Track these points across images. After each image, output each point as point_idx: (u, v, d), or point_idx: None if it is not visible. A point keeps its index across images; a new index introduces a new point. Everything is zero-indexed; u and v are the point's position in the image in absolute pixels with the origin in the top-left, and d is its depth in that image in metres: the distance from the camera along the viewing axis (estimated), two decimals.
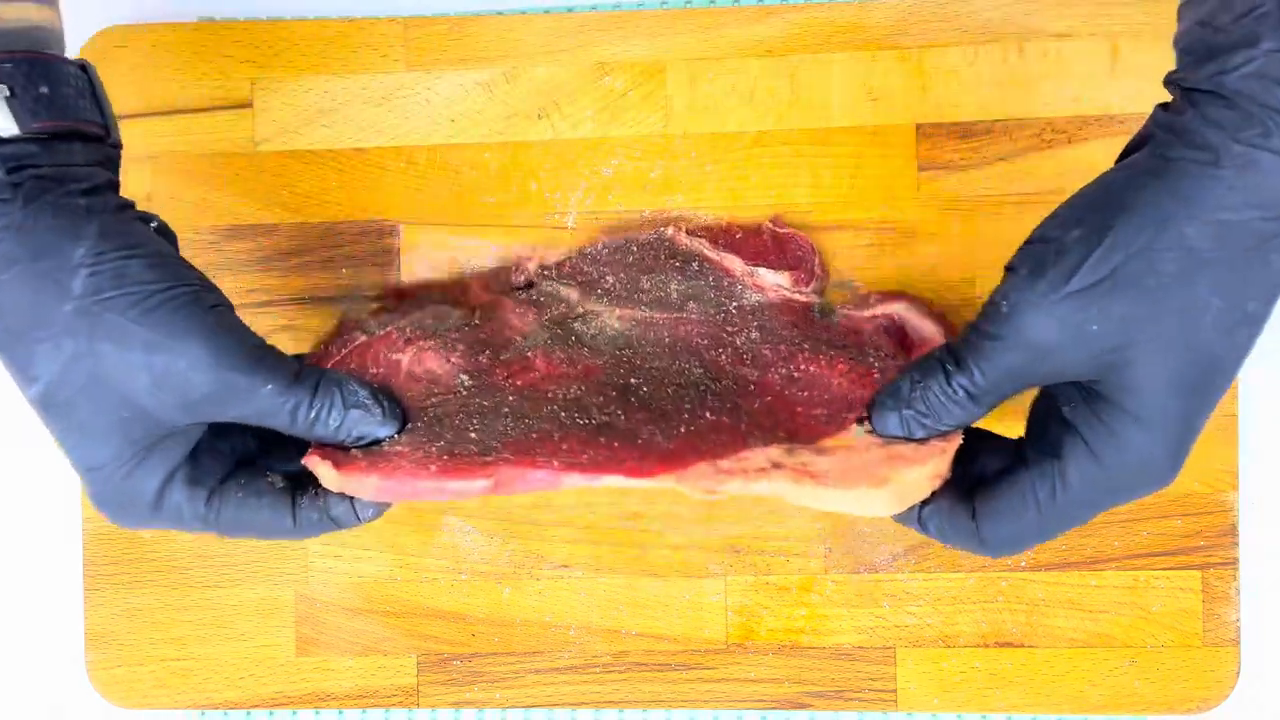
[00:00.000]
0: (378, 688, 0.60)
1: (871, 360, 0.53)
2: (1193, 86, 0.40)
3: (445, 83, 0.60)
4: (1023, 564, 0.58)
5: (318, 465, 0.46)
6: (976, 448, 0.47)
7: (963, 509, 0.45)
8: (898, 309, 0.56)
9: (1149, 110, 0.59)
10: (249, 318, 0.60)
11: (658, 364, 0.53)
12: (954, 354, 0.44)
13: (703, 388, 0.52)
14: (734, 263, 0.57)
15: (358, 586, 0.60)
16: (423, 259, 0.60)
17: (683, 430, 0.48)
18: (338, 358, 0.54)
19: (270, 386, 0.44)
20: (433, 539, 0.60)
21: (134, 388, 0.43)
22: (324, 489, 0.46)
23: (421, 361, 0.53)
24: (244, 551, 0.60)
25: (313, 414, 0.45)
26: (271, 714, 0.62)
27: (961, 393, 0.44)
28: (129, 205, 0.46)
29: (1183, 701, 0.57)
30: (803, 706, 0.59)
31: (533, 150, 0.60)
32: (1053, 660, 0.58)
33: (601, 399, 0.50)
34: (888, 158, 0.58)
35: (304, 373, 0.46)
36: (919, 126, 0.58)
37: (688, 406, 0.50)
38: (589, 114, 0.59)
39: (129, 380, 0.43)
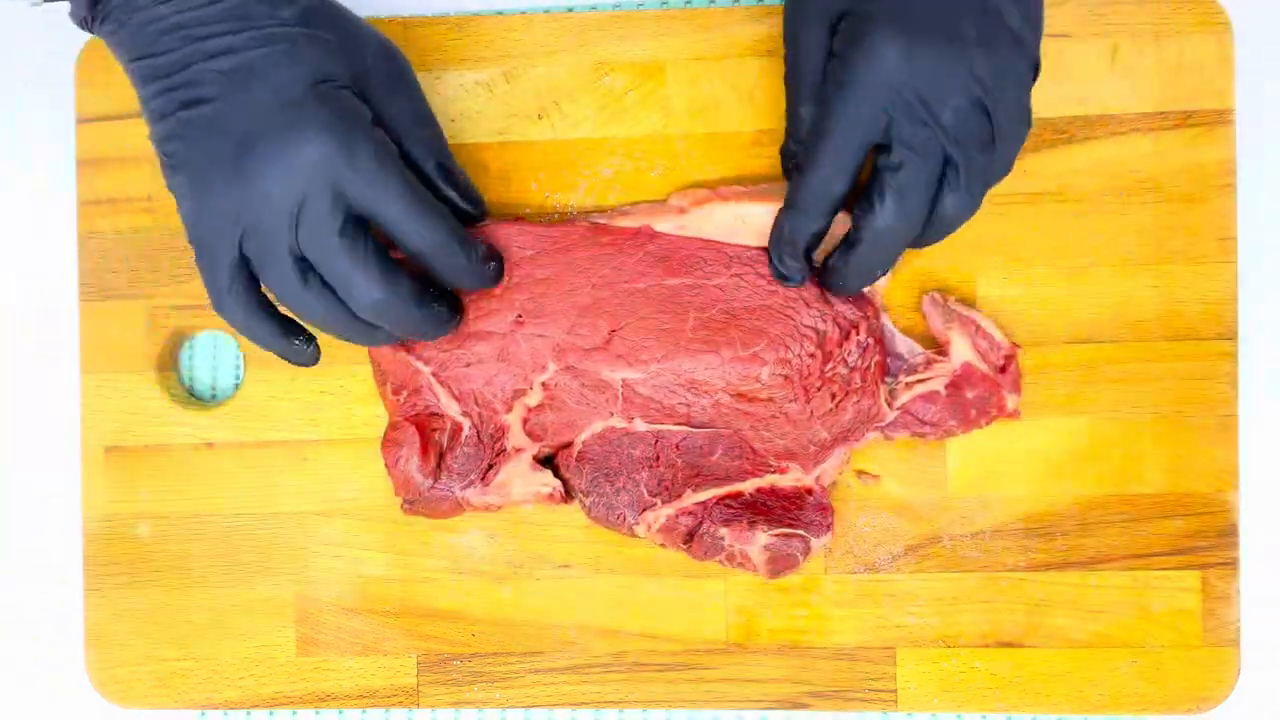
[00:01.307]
0: (378, 688, 0.60)
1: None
2: None
3: (445, 83, 0.60)
4: (1022, 564, 0.58)
5: None
6: None
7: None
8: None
9: (1149, 110, 0.59)
10: None
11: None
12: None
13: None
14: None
15: (358, 586, 0.60)
16: None
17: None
18: None
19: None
20: (433, 539, 0.60)
21: None
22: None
23: None
24: (244, 551, 0.60)
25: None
26: (271, 714, 0.62)
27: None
28: None
29: (1183, 701, 0.57)
30: (803, 706, 0.59)
31: (533, 150, 0.60)
32: (1053, 660, 0.58)
33: None
34: None
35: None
36: None
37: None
38: (589, 114, 0.59)
39: None
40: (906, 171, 0.48)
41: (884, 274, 0.53)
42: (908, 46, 0.47)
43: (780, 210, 0.53)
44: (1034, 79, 0.50)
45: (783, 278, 0.55)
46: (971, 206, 0.50)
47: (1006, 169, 0.50)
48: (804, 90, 0.52)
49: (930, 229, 0.50)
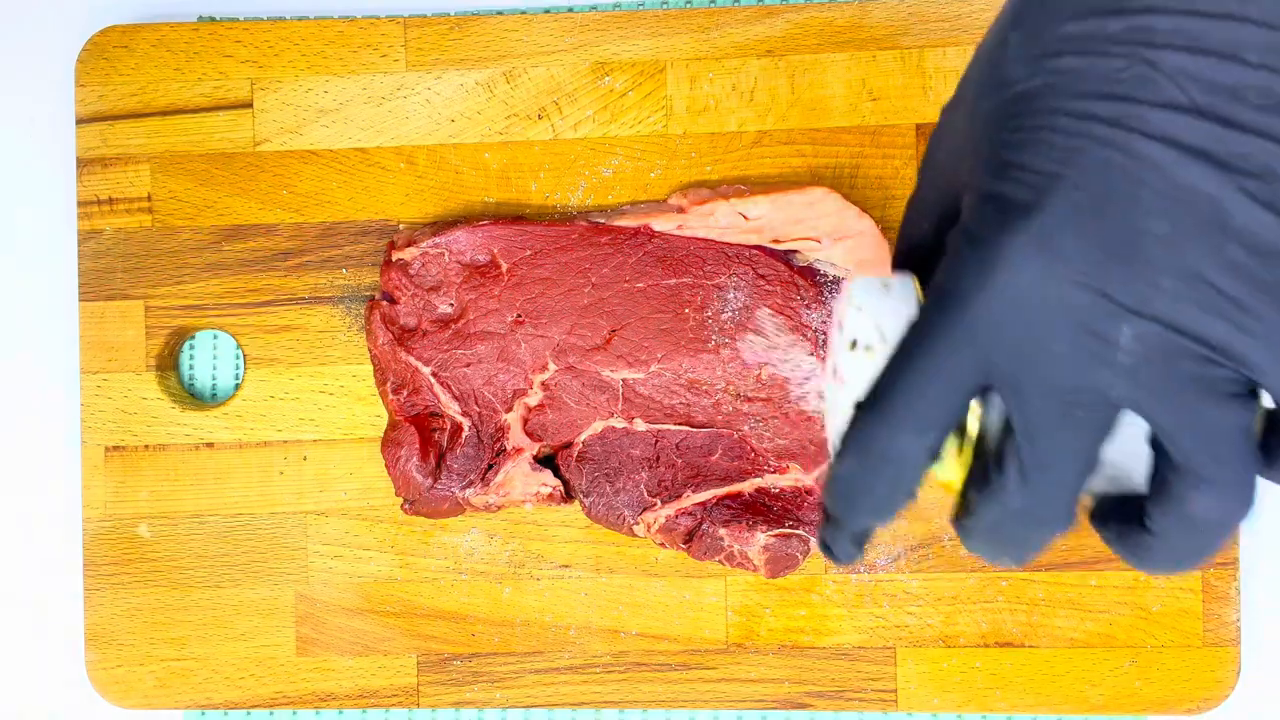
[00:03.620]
0: (378, 688, 0.60)
1: None
2: None
3: (445, 83, 0.60)
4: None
5: None
6: None
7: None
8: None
9: None
10: (249, 317, 0.60)
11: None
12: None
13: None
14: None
15: (358, 586, 0.60)
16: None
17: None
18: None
19: None
20: (433, 539, 0.60)
21: None
22: None
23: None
24: (244, 552, 0.60)
25: None
26: (271, 714, 0.62)
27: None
28: None
29: (1183, 701, 0.57)
30: (803, 706, 0.59)
31: (533, 150, 0.60)
32: (1053, 660, 0.58)
33: None
34: (888, 158, 0.58)
35: None
36: (919, 127, 0.58)
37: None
38: (589, 114, 0.59)
39: None
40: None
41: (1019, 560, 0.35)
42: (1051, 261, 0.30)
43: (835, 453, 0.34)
44: None
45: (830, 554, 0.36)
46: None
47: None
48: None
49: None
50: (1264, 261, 0.28)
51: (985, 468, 0.32)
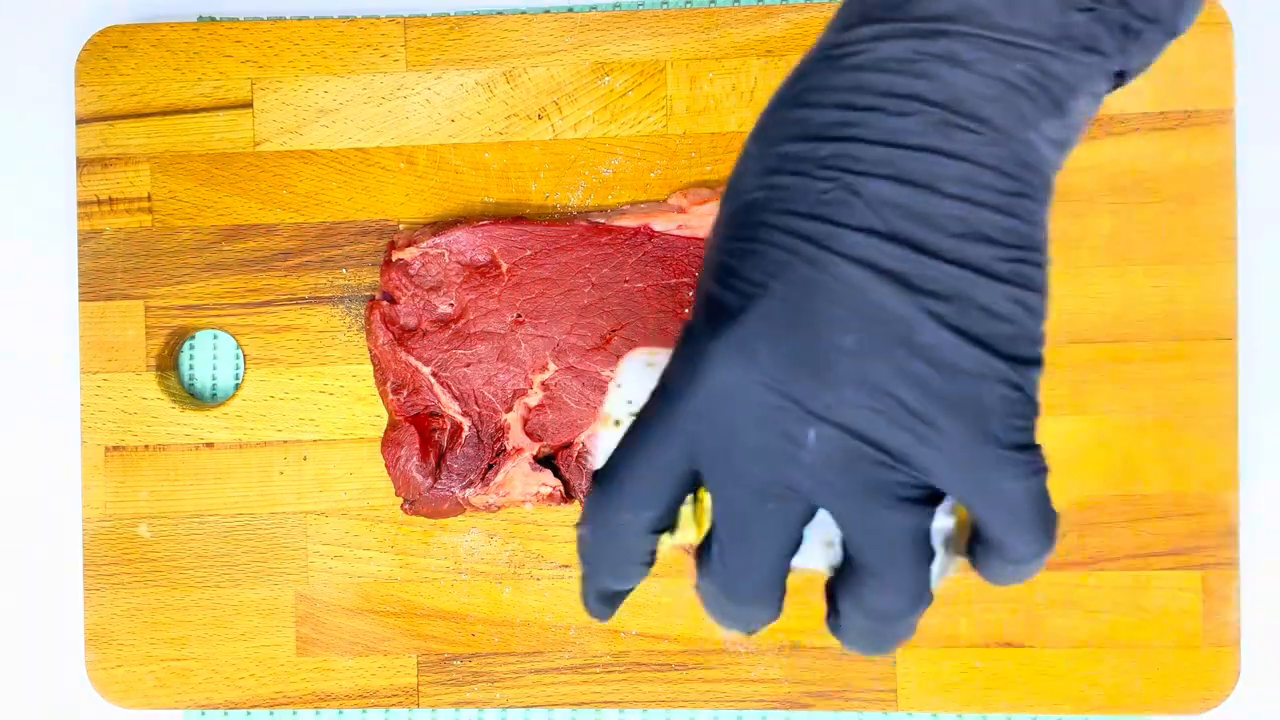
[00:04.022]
0: (378, 688, 0.60)
1: None
2: None
3: (445, 83, 0.60)
4: None
5: None
6: None
7: None
8: None
9: (1149, 110, 0.59)
10: (249, 317, 0.60)
11: None
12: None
13: None
14: None
15: (358, 586, 0.60)
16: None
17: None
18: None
19: None
20: (433, 539, 0.60)
21: None
22: None
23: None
24: (244, 551, 0.60)
25: None
26: (271, 714, 0.62)
27: None
28: None
29: (1183, 701, 0.57)
30: (803, 706, 0.59)
31: (533, 150, 0.60)
32: (1053, 660, 0.58)
33: None
34: None
35: None
36: None
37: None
38: (589, 114, 0.59)
39: None
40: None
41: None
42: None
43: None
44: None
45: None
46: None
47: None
48: None
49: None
50: (945, 377, 0.30)
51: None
